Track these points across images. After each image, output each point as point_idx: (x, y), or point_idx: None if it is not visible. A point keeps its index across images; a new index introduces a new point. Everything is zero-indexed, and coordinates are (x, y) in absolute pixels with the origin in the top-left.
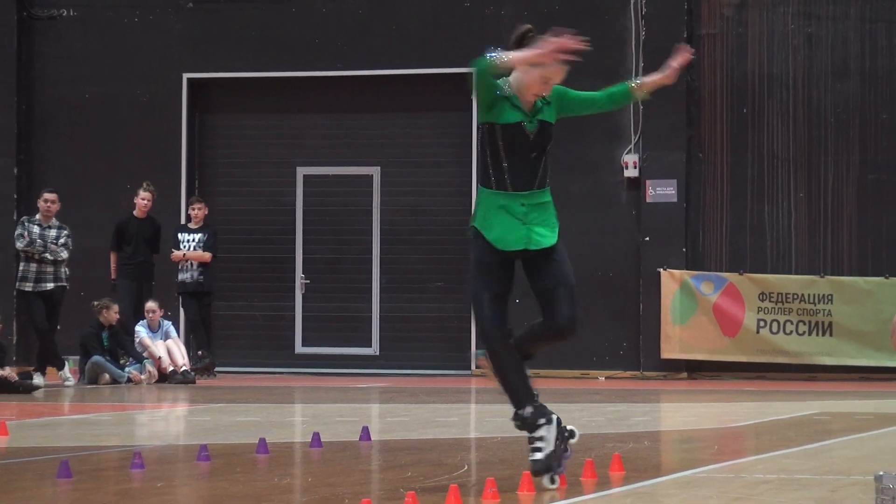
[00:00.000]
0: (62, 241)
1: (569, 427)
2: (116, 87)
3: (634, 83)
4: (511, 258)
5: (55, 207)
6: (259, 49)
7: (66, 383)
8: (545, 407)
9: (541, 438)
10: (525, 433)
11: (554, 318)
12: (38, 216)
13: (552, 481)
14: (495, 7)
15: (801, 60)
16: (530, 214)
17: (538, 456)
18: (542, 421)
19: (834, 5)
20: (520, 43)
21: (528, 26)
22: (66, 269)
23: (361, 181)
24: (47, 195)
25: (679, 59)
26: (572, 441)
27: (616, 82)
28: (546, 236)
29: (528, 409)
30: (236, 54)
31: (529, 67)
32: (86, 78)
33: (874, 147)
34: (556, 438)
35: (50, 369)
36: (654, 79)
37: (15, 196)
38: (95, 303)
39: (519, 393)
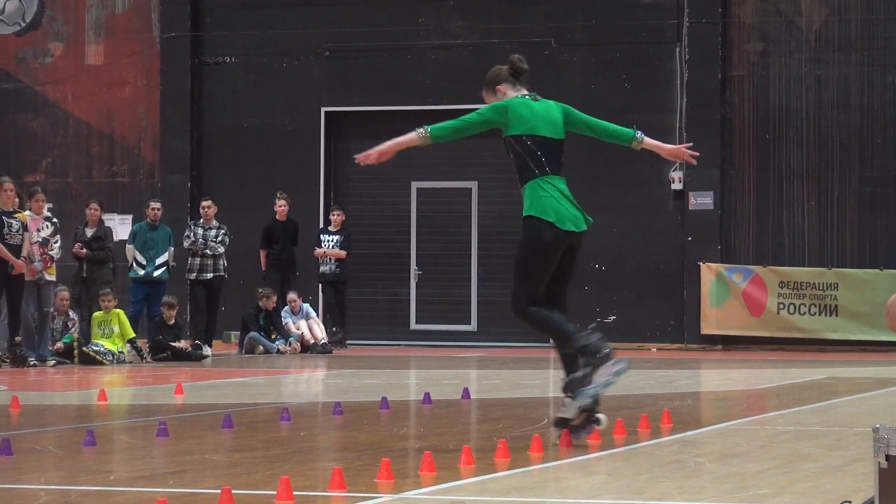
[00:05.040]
0: (220, 238)
1: (599, 415)
2: (268, 119)
3: (638, 137)
4: None
5: (212, 211)
6: (382, 88)
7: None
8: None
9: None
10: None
11: None
12: (201, 220)
13: (557, 437)
14: (569, 55)
15: (813, 96)
16: None
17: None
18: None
19: (839, 52)
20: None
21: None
22: (224, 262)
23: (462, 193)
24: (204, 202)
25: (678, 150)
26: (597, 426)
27: (665, 115)
28: None
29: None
30: (363, 92)
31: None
32: (244, 111)
33: (871, 165)
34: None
35: (215, 341)
36: (656, 144)
37: (188, 205)
38: (260, 290)
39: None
